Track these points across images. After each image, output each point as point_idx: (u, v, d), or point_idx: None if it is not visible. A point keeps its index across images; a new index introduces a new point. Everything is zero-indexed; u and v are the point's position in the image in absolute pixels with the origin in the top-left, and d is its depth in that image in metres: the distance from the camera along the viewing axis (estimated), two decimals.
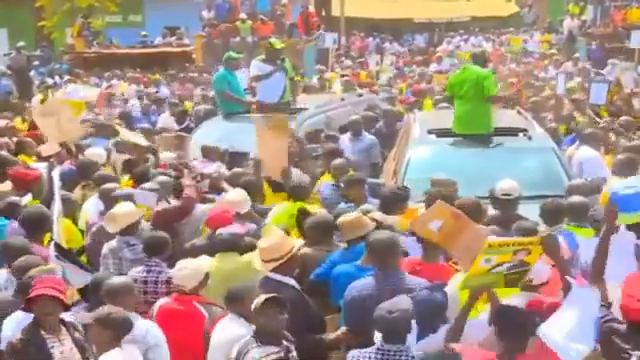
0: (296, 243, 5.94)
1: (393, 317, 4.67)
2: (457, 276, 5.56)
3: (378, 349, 4.72)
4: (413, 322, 4.91)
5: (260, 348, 4.85)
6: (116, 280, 5.54)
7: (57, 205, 7.13)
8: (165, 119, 14.29)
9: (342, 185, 8.16)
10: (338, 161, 8.89)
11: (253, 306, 4.96)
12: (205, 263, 5.96)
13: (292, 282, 5.77)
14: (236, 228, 6.61)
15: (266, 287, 5.61)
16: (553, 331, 4.40)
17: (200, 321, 5.62)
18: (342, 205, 7.80)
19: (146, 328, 5.28)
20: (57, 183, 7.44)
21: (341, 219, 6.51)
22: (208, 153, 9.63)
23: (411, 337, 4.89)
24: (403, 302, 4.81)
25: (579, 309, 4.47)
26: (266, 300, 4.92)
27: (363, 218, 6.46)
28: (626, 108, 13.41)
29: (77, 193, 8.51)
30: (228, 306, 5.49)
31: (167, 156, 9.65)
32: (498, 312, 4.62)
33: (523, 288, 4.95)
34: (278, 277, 5.70)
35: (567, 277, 4.65)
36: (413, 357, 4.68)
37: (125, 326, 4.91)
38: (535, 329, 4.48)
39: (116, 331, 4.86)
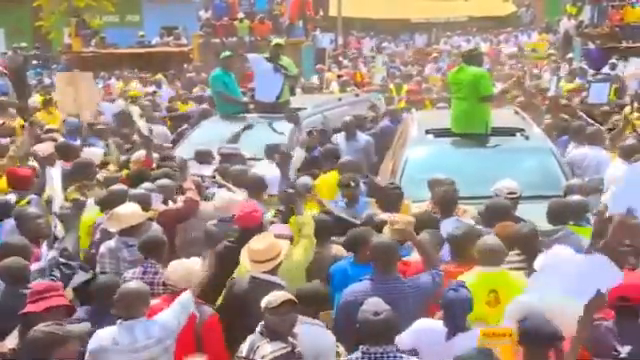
0: (284, 245, 6.02)
1: (380, 319, 4.59)
2: (464, 276, 5.59)
3: (364, 353, 4.61)
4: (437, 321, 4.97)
5: (269, 344, 4.88)
6: (130, 286, 5.41)
7: (58, 202, 7.11)
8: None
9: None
10: (347, 158, 8.92)
11: (266, 304, 4.96)
12: (197, 264, 5.94)
13: (280, 281, 5.83)
14: (281, 229, 6.58)
15: (255, 287, 5.71)
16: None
17: (191, 321, 5.59)
18: (341, 204, 7.82)
19: (157, 329, 5.24)
20: (57, 180, 7.38)
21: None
22: (202, 157, 9.60)
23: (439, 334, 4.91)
24: (381, 303, 4.74)
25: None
26: (283, 302, 4.96)
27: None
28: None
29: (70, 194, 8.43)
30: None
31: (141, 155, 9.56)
32: (521, 321, 4.54)
33: None
34: (267, 277, 5.78)
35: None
36: (401, 357, 4.60)
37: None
38: (559, 341, 4.45)
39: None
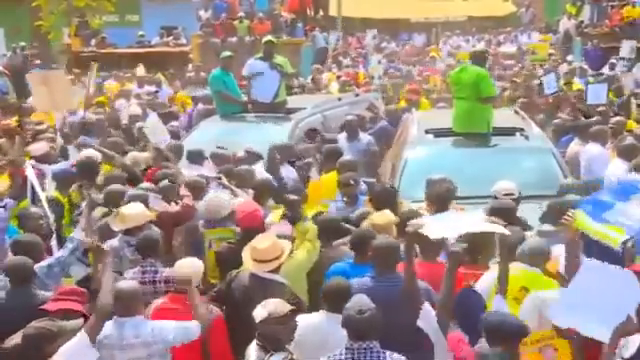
0: (286, 246, 6.04)
1: (365, 317, 4.65)
2: (487, 275, 5.59)
3: (347, 349, 4.69)
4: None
5: (274, 356, 4.87)
6: (125, 285, 5.45)
7: (44, 201, 7.14)
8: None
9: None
10: (346, 158, 8.92)
11: (269, 313, 4.94)
12: (201, 263, 5.98)
13: (281, 279, 5.86)
14: (283, 228, 6.61)
15: (256, 284, 5.76)
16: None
17: None
18: (340, 204, 7.83)
19: (148, 330, 5.27)
20: (35, 181, 7.40)
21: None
22: (194, 157, 9.59)
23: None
24: (365, 300, 4.79)
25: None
26: (290, 311, 4.97)
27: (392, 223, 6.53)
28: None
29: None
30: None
31: (142, 156, 9.56)
32: (487, 320, 4.65)
33: None
34: (269, 275, 5.83)
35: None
36: (384, 352, 4.65)
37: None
38: (523, 336, 4.54)
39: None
